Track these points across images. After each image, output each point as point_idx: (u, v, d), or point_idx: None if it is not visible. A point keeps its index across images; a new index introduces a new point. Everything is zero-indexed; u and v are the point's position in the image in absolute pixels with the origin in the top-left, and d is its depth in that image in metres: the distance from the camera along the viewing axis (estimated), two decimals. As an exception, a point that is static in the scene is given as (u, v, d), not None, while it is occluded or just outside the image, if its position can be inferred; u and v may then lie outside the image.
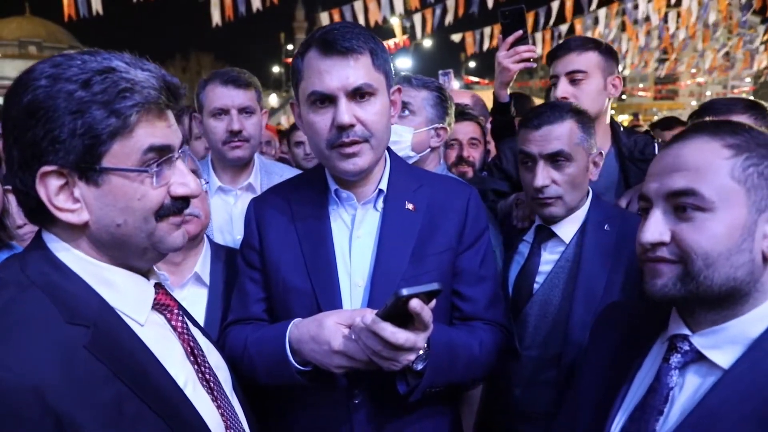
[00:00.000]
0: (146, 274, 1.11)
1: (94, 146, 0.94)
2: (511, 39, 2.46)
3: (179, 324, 1.13)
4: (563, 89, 2.24)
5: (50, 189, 0.95)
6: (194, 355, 1.12)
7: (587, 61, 2.25)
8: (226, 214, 2.32)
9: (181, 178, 1.04)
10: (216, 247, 1.90)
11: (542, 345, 1.78)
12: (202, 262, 1.80)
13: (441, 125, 2.20)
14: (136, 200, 0.98)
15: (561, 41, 2.72)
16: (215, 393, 1.12)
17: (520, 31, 2.44)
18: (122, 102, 0.94)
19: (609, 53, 2.31)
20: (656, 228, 1.01)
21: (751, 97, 2.20)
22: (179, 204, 1.05)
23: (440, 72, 4.36)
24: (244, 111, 2.30)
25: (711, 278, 0.97)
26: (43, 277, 0.96)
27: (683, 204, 0.99)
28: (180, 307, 1.19)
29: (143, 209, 1.00)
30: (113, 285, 1.03)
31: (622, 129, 2.41)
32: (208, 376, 1.12)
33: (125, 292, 1.04)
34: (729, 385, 0.95)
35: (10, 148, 0.97)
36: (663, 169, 1.04)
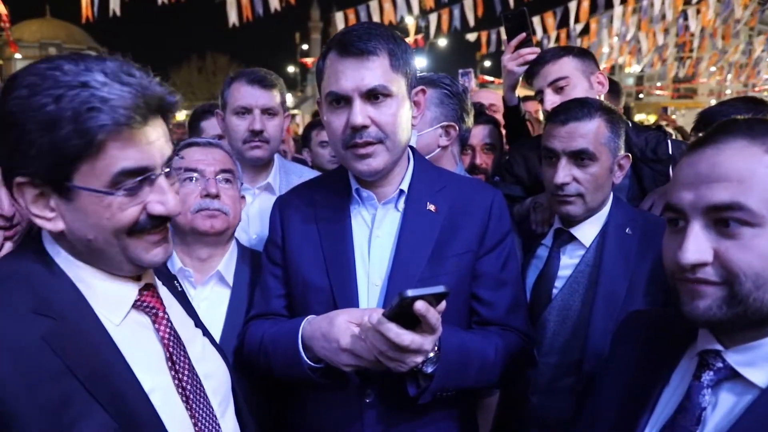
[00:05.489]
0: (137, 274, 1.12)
1: (61, 164, 0.94)
2: (514, 42, 2.46)
3: (163, 327, 1.12)
4: (550, 100, 2.21)
5: (27, 197, 0.97)
6: (173, 361, 1.10)
7: (565, 66, 2.24)
8: (243, 213, 2.32)
9: (159, 197, 1.02)
10: (243, 250, 1.90)
11: (561, 352, 1.75)
12: (226, 262, 1.81)
13: (449, 123, 2.10)
14: (105, 219, 0.98)
15: (574, 41, 2.71)
16: (191, 402, 1.11)
17: (524, 34, 2.43)
18: (89, 122, 0.91)
19: (583, 54, 2.30)
20: (698, 247, 0.90)
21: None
22: (156, 222, 1.03)
23: (460, 71, 4.30)
24: (267, 112, 2.30)
25: (762, 299, 0.88)
26: (26, 269, 0.99)
27: (728, 218, 0.89)
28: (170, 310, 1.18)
29: (113, 228, 0.99)
30: (88, 284, 1.04)
31: (631, 126, 2.35)
32: (185, 385, 1.11)
33: (99, 292, 1.05)
34: (766, 405, 0.89)
35: None
36: (698, 178, 0.93)
